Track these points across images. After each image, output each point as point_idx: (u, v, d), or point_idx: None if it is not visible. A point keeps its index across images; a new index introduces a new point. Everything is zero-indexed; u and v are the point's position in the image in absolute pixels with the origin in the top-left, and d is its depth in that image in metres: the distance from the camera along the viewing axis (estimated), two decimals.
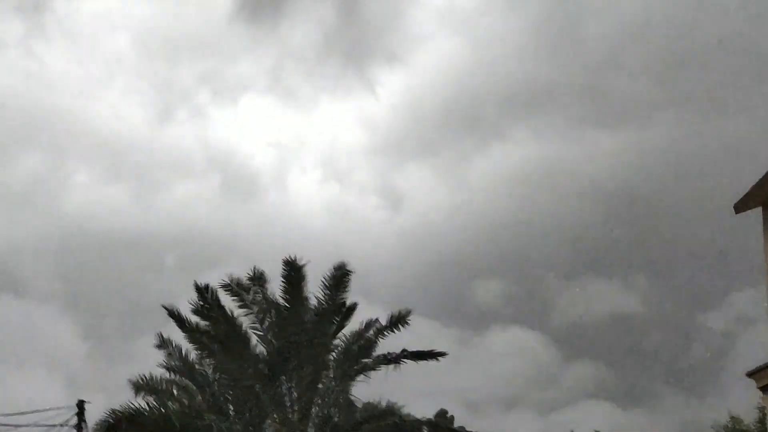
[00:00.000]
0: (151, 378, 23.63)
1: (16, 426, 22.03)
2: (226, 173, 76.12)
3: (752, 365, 18.45)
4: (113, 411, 21.65)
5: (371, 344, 24.86)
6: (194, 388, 24.08)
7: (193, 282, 22.90)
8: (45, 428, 22.22)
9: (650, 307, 66.76)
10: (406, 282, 67.75)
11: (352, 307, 24.82)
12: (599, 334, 67.69)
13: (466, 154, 76.49)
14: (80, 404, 22.85)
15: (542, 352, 66.18)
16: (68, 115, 74.66)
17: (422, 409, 24.97)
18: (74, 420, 22.85)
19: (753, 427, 32.58)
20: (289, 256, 24.21)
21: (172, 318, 23.49)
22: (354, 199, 78.33)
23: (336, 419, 24.04)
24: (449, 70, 79.63)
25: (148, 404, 22.29)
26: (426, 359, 24.71)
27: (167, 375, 24.19)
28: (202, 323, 23.60)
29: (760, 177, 17.78)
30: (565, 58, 74.94)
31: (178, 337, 24.33)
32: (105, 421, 21.48)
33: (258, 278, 24.61)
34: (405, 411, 24.67)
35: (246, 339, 23.97)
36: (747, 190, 18.33)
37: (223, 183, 75.42)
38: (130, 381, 23.52)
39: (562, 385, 66.22)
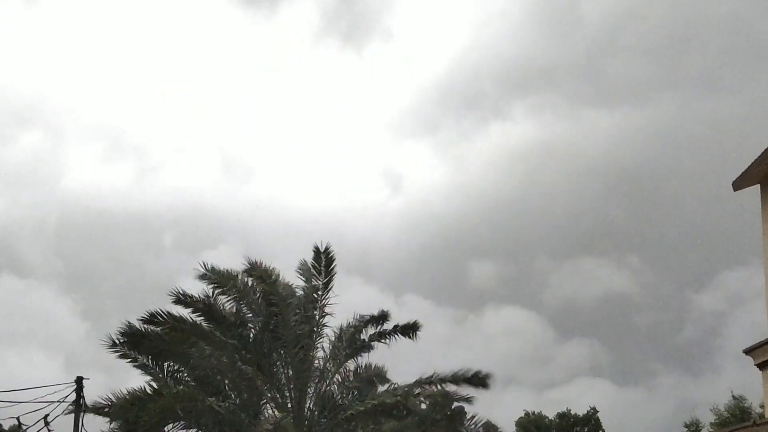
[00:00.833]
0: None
1: (14, 402, 22.04)
2: (224, 154, 76.21)
3: (744, 343, 18.53)
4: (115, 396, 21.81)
5: (363, 326, 25.02)
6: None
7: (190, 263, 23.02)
8: (43, 404, 22.20)
9: (643, 286, 67.10)
10: (405, 261, 67.94)
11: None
12: (593, 313, 68.04)
13: (464, 133, 76.55)
14: (78, 380, 22.84)
15: (537, 332, 66.55)
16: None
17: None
18: (72, 396, 22.86)
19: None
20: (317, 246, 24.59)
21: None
22: (355, 179, 78.44)
23: (337, 397, 24.17)
24: (448, 50, 79.77)
25: (147, 388, 22.40)
26: (408, 334, 24.69)
27: None
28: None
29: (759, 155, 17.82)
30: (564, 38, 74.87)
31: None
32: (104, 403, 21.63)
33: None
34: None
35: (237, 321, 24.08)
36: (745, 168, 18.39)
37: (222, 163, 75.50)
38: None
39: (557, 364, 66.61)
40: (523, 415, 56.73)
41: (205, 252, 63.64)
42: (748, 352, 18.50)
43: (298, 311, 23.99)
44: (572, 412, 56.72)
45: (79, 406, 22.59)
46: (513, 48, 74.85)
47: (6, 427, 23.60)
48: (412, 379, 24.08)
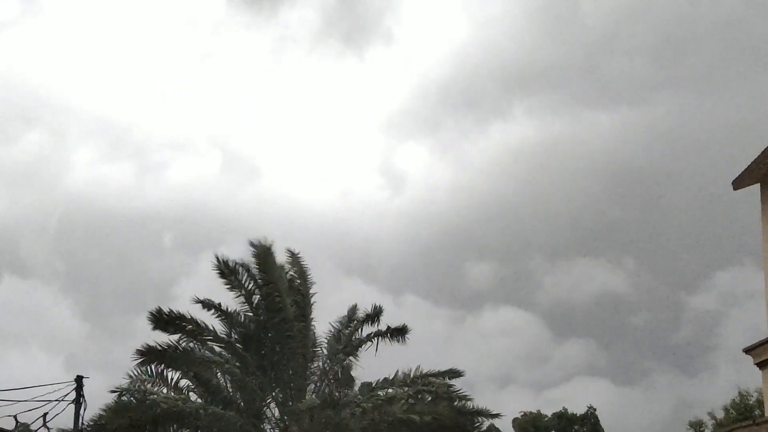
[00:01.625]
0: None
1: (14, 401, 22.03)
2: (225, 153, 76.16)
3: (739, 343, 18.58)
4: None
5: (359, 325, 25.03)
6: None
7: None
8: (43, 403, 22.19)
9: (638, 286, 67.30)
10: (405, 261, 67.94)
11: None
12: (589, 313, 68.14)
13: (465, 133, 76.58)
14: (78, 379, 22.83)
15: (534, 332, 66.65)
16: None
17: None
18: (72, 395, 22.86)
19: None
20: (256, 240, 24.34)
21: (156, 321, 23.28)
22: (356, 179, 78.44)
23: (336, 395, 24.18)
24: (449, 50, 79.77)
25: (147, 392, 22.41)
26: (397, 338, 24.68)
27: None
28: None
29: (759, 154, 17.85)
30: (564, 38, 74.87)
31: None
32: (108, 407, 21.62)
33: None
34: None
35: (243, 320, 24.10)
36: (745, 167, 18.43)
37: (223, 163, 75.43)
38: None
39: (554, 363, 66.69)
40: (520, 415, 56.79)
41: (206, 252, 63.60)
42: (748, 351, 18.53)
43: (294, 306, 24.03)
44: (570, 412, 56.80)
45: (78, 405, 22.61)
46: (513, 48, 74.91)
47: (3, 425, 23.55)
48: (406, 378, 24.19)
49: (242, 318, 23.99)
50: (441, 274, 70.27)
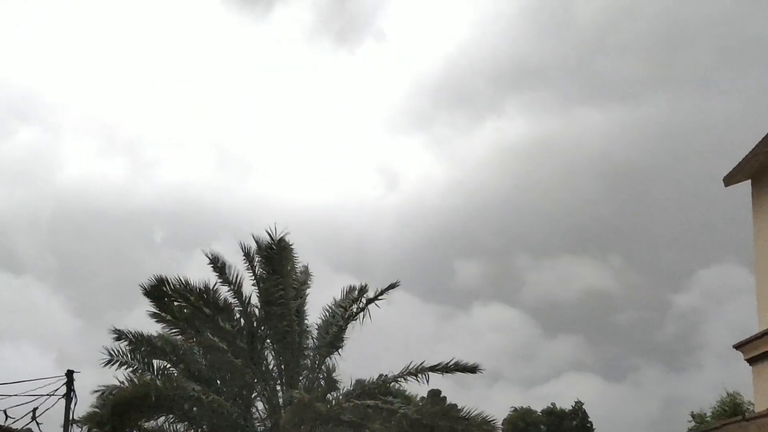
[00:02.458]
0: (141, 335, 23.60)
1: (4, 396, 21.93)
2: (219, 151, 76.04)
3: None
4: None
5: (349, 317, 25.00)
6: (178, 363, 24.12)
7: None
8: (33, 397, 22.09)
9: (626, 284, 67.63)
10: (398, 258, 67.95)
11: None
12: (577, 310, 68.41)
13: (458, 131, 76.68)
14: (69, 374, 22.74)
15: (522, 328, 66.88)
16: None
17: (410, 386, 25.03)
18: (63, 390, 22.78)
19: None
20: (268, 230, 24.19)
21: (150, 297, 23.33)
22: (350, 176, 78.46)
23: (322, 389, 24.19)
24: (442, 48, 79.79)
25: (131, 377, 22.39)
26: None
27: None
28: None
29: (750, 150, 17.93)
30: (556, 36, 75.01)
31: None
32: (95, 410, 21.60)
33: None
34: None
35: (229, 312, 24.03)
36: (736, 164, 18.52)
37: (217, 160, 75.34)
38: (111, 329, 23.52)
39: (542, 359, 66.95)
40: (511, 411, 56.88)
41: (199, 249, 63.34)
42: (738, 347, 18.59)
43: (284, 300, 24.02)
44: (558, 408, 56.93)
45: (69, 400, 22.53)
46: (506, 46, 75.05)
47: None
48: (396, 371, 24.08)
49: (235, 314, 23.98)
50: (431, 272, 70.40)
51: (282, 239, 23.84)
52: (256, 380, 23.36)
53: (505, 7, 76.58)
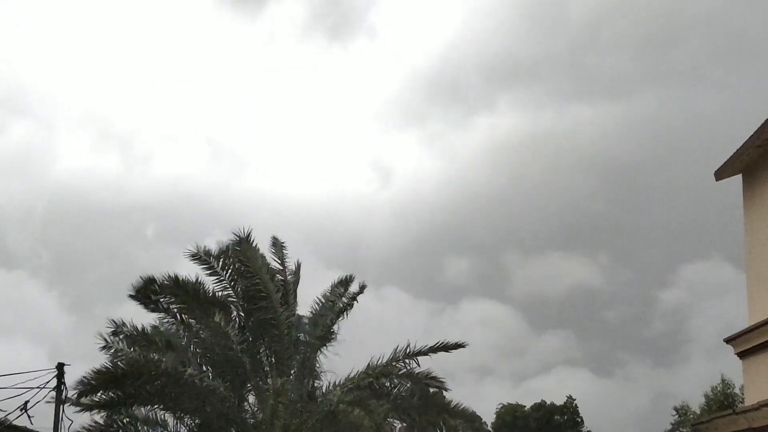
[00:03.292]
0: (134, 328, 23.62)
1: None
2: (212, 146, 75.97)
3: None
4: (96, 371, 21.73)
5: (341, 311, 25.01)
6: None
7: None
8: (23, 391, 22.02)
9: (612, 280, 67.95)
10: (391, 253, 68.06)
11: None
12: (565, 306, 68.70)
13: (451, 126, 76.83)
14: (60, 367, 22.64)
15: (511, 324, 67.13)
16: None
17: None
18: (53, 383, 22.71)
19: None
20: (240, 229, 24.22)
21: (142, 293, 23.35)
22: (344, 172, 78.50)
23: (315, 383, 24.23)
24: (435, 45, 79.75)
25: (125, 360, 22.37)
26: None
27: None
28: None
29: (741, 145, 18.01)
30: (548, 33, 75.19)
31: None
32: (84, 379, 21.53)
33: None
34: None
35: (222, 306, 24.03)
36: (727, 158, 18.61)
37: (210, 156, 75.26)
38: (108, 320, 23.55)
39: (531, 355, 67.23)
40: (500, 407, 57.00)
41: (192, 244, 63.16)
42: (729, 341, 18.70)
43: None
44: (548, 403, 57.09)
45: (60, 393, 22.47)
46: (499, 43, 75.16)
47: None
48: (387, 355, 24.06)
49: (229, 307, 24.00)
50: (421, 267, 70.52)
51: (248, 236, 23.92)
52: (247, 372, 23.37)
53: (498, 4, 76.79)
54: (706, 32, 70.68)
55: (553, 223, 72.29)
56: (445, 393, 24.81)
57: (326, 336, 24.64)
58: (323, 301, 25.16)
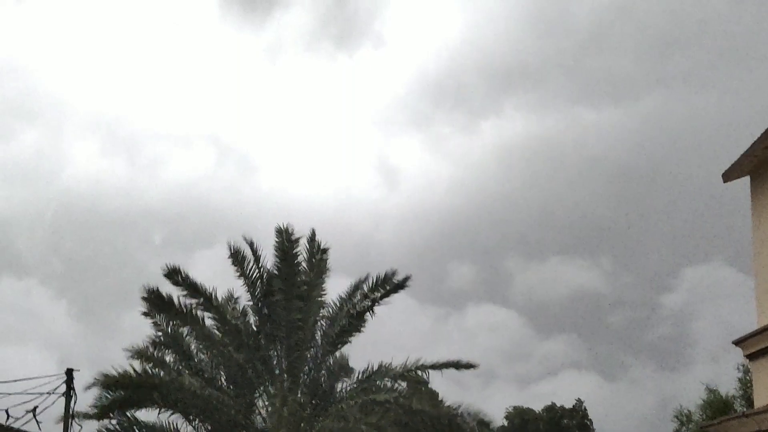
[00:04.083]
0: (145, 348, 23.83)
1: (4, 394, 21.93)
2: (221, 151, 76.00)
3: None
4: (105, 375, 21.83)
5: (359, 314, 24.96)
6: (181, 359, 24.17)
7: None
8: (33, 396, 22.09)
9: (614, 285, 67.86)
10: (399, 257, 68.00)
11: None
12: (568, 310, 68.57)
13: (457, 130, 76.81)
14: (69, 372, 22.71)
15: (515, 328, 67.04)
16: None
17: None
18: (63, 388, 22.78)
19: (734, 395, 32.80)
20: (281, 225, 24.40)
21: (150, 299, 23.53)
22: (352, 177, 78.46)
23: (324, 385, 24.21)
24: (440, 49, 79.85)
25: (134, 369, 22.48)
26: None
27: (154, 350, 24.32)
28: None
29: (749, 146, 17.95)
30: (553, 36, 75.10)
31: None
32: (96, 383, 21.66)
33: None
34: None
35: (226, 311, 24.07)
36: (733, 162, 18.57)
37: (219, 160, 75.30)
38: (125, 349, 23.76)
39: (536, 359, 67.13)
40: (510, 410, 56.97)
41: (202, 249, 63.19)
42: (737, 343, 18.62)
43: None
44: (558, 405, 57.08)
45: (69, 398, 22.53)
46: (503, 46, 75.15)
47: None
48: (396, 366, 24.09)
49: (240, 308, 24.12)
50: (427, 272, 70.44)
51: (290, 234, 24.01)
52: (258, 377, 23.40)
53: (502, 9, 76.76)
54: (711, 35, 70.61)
55: (557, 227, 72.23)
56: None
57: (341, 338, 24.60)
58: (338, 303, 25.12)
